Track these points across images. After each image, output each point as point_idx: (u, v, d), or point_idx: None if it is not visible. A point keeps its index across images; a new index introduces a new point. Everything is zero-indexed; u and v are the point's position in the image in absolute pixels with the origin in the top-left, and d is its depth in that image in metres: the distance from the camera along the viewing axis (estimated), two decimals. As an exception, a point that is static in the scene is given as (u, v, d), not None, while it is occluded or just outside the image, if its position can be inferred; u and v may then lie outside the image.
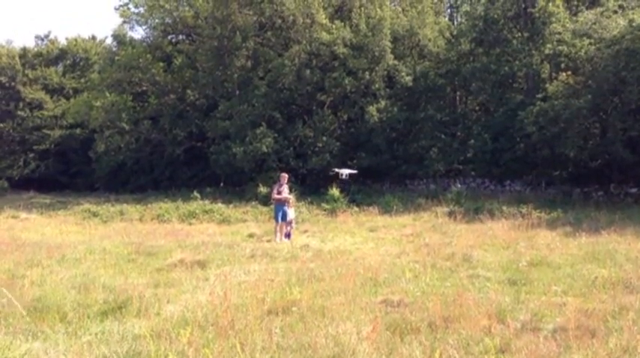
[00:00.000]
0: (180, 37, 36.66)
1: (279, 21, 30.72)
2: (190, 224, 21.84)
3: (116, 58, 35.07)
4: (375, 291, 9.21)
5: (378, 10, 30.07)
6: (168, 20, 34.78)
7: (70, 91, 42.93)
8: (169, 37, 36.83)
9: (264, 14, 31.13)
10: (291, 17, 29.94)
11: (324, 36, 29.72)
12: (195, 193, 27.29)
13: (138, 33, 35.95)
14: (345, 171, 26.68)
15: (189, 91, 33.50)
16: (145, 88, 34.13)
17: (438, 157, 28.56)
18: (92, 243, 15.00)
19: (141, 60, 32.71)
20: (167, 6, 33.19)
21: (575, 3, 29.42)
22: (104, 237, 17.11)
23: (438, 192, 26.66)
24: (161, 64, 33.39)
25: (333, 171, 27.29)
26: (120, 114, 31.93)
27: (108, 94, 31.98)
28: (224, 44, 30.74)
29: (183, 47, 35.08)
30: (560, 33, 26.53)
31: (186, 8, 33.97)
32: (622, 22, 24.53)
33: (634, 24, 23.58)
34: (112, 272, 11.01)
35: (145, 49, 34.44)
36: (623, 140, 23.12)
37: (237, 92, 31.32)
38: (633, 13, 24.75)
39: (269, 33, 32.28)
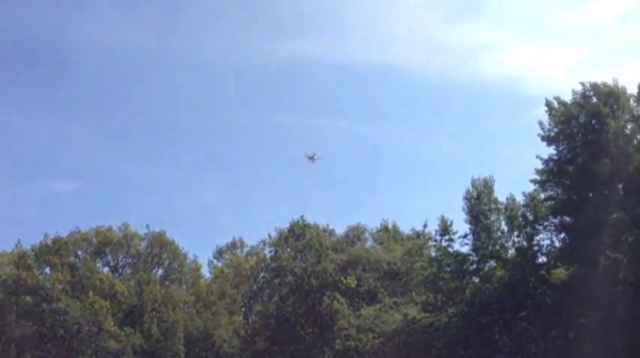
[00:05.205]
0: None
1: (62, 331, 28.73)
2: None
3: None
4: None
5: (171, 313, 29.87)
6: None
7: None
8: None
9: (45, 324, 29.05)
10: (76, 326, 28.30)
11: (112, 344, 28.18)
12: None
13: None
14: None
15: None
16: None
17: None
18: None
19: None
20: None
21: (357, 300, 31.87)
22: None
23: None
24: None
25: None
26: None
27: None
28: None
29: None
30: (346, 328, 28.04)
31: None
32: (398, 316, 26.87)
33: (408, 318, 26.01)
34: None
35: None
36: None
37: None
38: (406, 308, 27.41)
39: (49, 344, 29.68)
